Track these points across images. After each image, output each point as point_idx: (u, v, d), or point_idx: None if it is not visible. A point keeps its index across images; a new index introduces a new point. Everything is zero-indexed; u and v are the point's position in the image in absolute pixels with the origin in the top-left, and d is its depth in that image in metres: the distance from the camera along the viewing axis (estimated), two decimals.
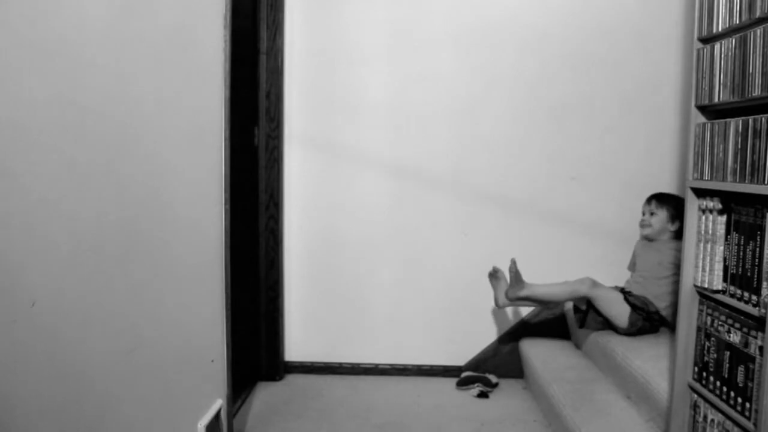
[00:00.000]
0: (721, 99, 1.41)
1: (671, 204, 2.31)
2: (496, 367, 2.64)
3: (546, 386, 2.19)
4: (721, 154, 1.39)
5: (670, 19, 2.56)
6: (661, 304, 2.21)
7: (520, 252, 2.63)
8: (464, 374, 2.58)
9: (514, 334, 2.66)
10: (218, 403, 1.72)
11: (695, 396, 1.51)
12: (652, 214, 2.33)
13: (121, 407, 1.19)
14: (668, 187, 2.62)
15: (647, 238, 2.37)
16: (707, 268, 1.46)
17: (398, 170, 2.62)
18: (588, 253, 2.64)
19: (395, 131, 2.61)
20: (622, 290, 2.30)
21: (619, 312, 2.17)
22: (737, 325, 1.34)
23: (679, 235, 2.19)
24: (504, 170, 2.60)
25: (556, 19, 2.56)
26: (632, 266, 2.51)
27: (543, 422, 2.21)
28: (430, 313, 2.66)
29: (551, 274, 2.64)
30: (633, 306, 2.18)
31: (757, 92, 1.27)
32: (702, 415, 1.47)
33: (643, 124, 2.60)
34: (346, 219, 2.64)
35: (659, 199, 2.34)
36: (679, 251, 2.13)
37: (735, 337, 1.35)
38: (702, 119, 1.51)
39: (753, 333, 1.28)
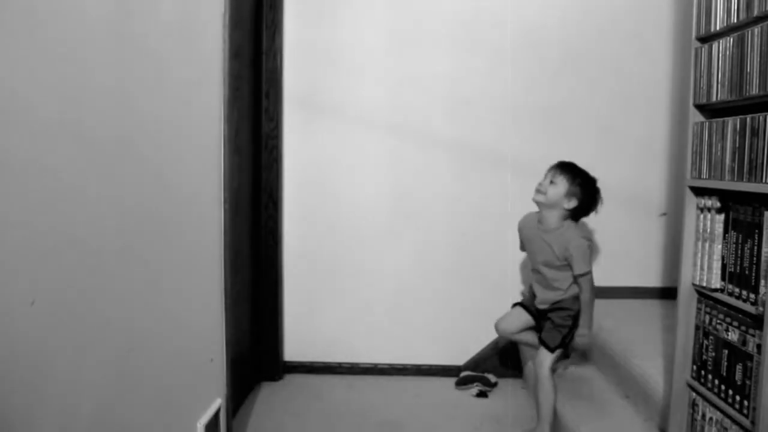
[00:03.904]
0: (719, 98, 1.41)
1: (575, 180, 2.02)
2: (495, 366, 2.64)
3: None
4: (719, 153, 1.40)
5: (668, 19, 2.57)
6: (574, 306, 2.04)
7: (515, 253, 2.63)
8: (463, 374, 2.58)
9: None
10: (217, 402, 1.72)
11: (694, 394, 1.51)
12: (551, 182, 2.04)
13: (121, 406, 1.19)
14: (667, 186, 2.62)
15: (537, 203, 2.08)
16: (705, 267, 1.46)
17: (398, 169, 2.62)
18: None
19: (394, 131, 2.61)
20: (537, 312, 2.13)
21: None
22: (735, 323, 1.34)
23: (573, 216, 2.05)
24: (503, 170, 2.61)
25: (554, 19, 2.57)
26: (523, 246, 2.27)
27: None
28: (429, 313, 2.66)
29: None
30: (559, 332, 2.04)
31: (754, 91, 1.27)
32: (700, 413, 1.48)
33: (641, 123, 2.60)
34: (346, 219, 2.64)
35: (564, 168, 2.05)
36: (574, 241, 1.98)
37: (733, 336, 1.35)
38: (700, 118, 1.52)
39: (751, 331, 1.29)
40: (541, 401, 1.99)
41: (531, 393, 2.15)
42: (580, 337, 2.03)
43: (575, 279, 2.03)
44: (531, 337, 2.19)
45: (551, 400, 1.97)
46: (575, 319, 2.05)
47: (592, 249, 2.08)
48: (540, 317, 2.14)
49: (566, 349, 2.10)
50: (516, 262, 2.65)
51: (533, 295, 2.16)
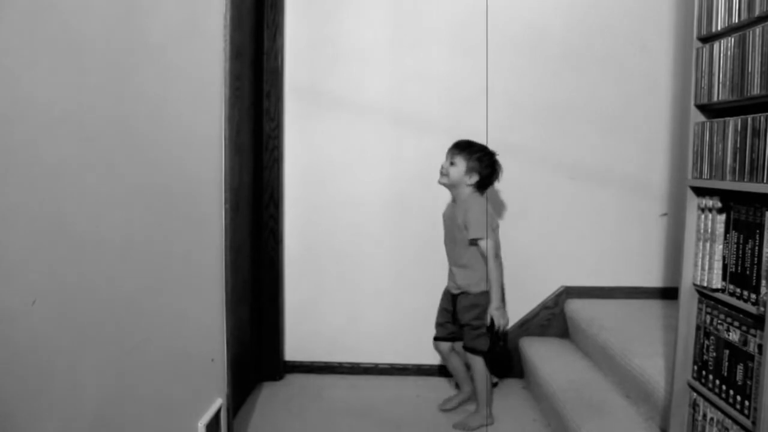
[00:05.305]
0: (720, 98, 1.41)
1: (472, 156, 2.15)
2: (495, 366, 2.64)
3: (545, 386, 2.19)
4: (720, 153, 1.40)
5: (669, 18, 2.56)
6: (482, 301, 2.14)
7: (517, 252, 2.63)
8: None
9: (513, 334, 2.66)
10: (218, 402, 1.73)
11: (694, 394, 1.51)
12: (452, 163, 2.16)
13: (121, 406, 1.19)
14: (668, 186, 2.62)
15: (443, 185, 2.22)
16: (706, 267, 1.46)
17: (399, 169, 2.62)
18: (586, 253, 2.65)
19: (395, 131, 2.61)
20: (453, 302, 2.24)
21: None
22: (736, 323, 1.34)
23: (479, 189, 2.17)
24: (504, 169, 2.60)
25: (556, 18, 2.57)
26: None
27: (543, 422, 2.21)
28: (430, 312, 2.66)
29: (547, 274, 2.65)
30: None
31: (756, 91, 1.27)
32: (701, 413, 1.48)
33: (642, 123, 2.60)
34: (347, 219, 2.64)
35: (460, 148, 2.17)
36: (471, 207, 2.12)
37: (734, 336, 1.35)
38: (701, 118, 1.51)
39: (752, 331, 1.29)
40: (479, 390, 2.19)
41: (458, 378, 2.36)
42: (497, 310, 2.11)
43: (473, 243, 2.13)
44: (458, 365, 2.31)
45: (486, 385, 2.20)
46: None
47: (492, 219, 2.17)
48: (455, 312, 2.23)
49: (496, 344, 2.20)
50: (517, 262, 2.65)
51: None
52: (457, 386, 2.44)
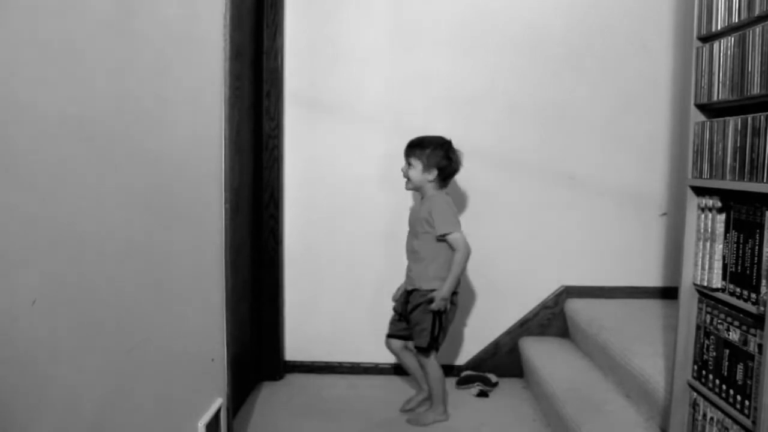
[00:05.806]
0: (720, 97, 1.41)
1: (425, 152, 2.14)
2: (495, 366, 2.64)
3: (545, 385, 2.19)
4: (720, 153, 1.40)
5: (669, 18, 2.56)
6: (435, 283, 2.13)
7: (517, 252, 2.63)
8: (464, 373, 2.58)
9: (513, 333, 2.66)
10: (218, 402, 1.72)
11: (695, 394, 1.51)
12: (409, 165, 2.17)
13: (121, 406, 1.19)
14: (668, 186, 2.62)
15: (411, 190, 2.27)
16: (707, 267, 1.46)
17: (397, 172, 2.61)
18: (586, 253, 2.65)
19: (395, 130, 2.60)
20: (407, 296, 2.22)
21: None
22: (736, 323, 1.34)
23: (443, 182, 2.18)
24: (504, 169, 2.60)
25: (555, 18, 2.57)
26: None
27: (543, 421, 2.21)
28: None
29: (547, 274, 2.65)
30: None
31: (756, 90, 1.27)
32: (701, 413, 1.48)
33: (642, 123, 2.60)
34: (348, 219, 2.64)
35: (412, 147, 2.17)
36: (436, 205, 2.12)
37: (734, 335, 1.35)
38: (701, 118, 1.51)
39: (752, 331, 1.29)
40: (433, 386, 2.20)
41: (415, 376, 2.33)
42: (442, 299, 2.09)
43: (442, 239, 2.12)
44: (411, 362, 2.29)
45: (440, 382, 2.20)
46: (435, 312, 2.12)
47: (454, 213, 2.18)
48: (407, 310, 2.21)
49: (436, 342, 2.17)
50: (517, 261, 2.65)
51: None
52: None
